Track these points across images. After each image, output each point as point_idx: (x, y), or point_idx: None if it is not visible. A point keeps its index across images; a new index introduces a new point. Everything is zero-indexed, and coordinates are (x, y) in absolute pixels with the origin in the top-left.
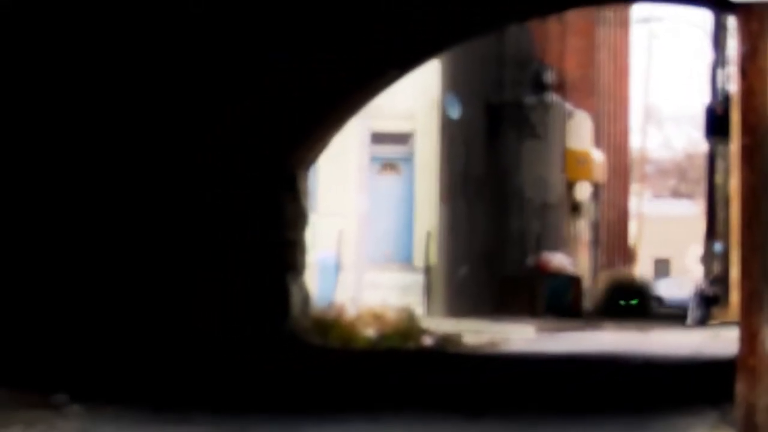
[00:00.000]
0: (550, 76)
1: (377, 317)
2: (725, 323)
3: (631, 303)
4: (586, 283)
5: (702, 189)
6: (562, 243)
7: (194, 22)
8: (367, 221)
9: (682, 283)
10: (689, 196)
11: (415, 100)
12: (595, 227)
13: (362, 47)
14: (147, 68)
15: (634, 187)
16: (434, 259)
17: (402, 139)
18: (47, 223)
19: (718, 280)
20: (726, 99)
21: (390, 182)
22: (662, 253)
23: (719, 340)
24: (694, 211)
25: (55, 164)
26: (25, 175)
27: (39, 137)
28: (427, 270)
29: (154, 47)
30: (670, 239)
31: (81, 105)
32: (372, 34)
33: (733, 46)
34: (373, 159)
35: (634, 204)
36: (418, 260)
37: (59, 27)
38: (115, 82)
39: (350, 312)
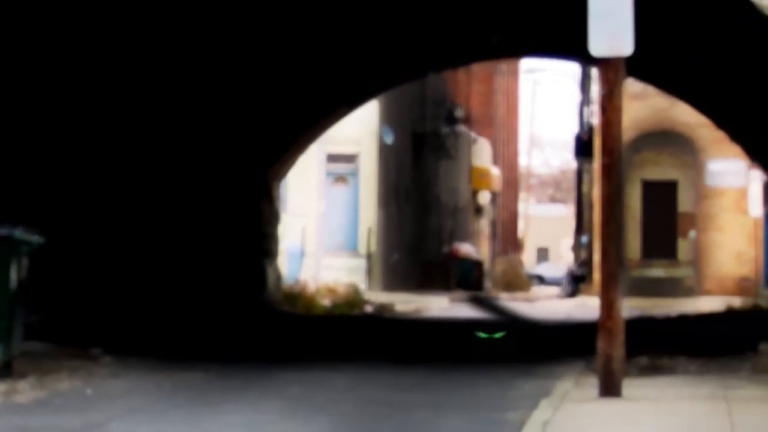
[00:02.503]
0: (459, 112)
1: (331, 291)
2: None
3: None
4: (486, 266)
5: (572, 196)
6: (468, 236)
7: (208, 67)
8: (324, 220)
9: (557, 266)
10: (563, 201)
11: (360, 129)
12: (493, 224)
13: (319, 91)
14: (181, 106)
15: (522, 195)
16: (374, 248)
17: (350, 158)
18: (83, 215)
19: (584, 263)
20: (590, 129)
21: (341, 191)
22: (543, 244)
23: (585, 308)
24: (567, 212)
25: (109, 170)
26: (88, 178)
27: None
28: (368, 256)
29: (181, 85)
30: (549, 233)
31: (109, 118)
32: (327, 80)
33: (595, 89)
34: (328, 173)
35: (522, 207)
36: (362, 249)
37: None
38: (146, 110)
39: (311, 287)
